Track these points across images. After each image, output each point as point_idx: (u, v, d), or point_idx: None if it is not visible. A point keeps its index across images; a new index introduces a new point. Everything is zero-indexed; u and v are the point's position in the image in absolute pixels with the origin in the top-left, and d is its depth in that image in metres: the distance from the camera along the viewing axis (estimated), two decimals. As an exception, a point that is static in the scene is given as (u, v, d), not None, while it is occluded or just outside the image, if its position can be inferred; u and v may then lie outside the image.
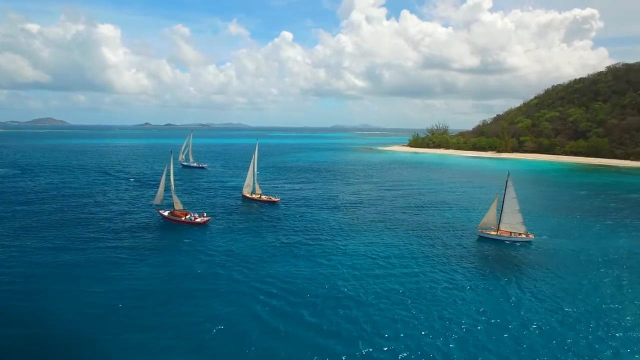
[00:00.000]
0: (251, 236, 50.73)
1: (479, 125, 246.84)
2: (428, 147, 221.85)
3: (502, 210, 53.05)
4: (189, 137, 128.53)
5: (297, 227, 55.57)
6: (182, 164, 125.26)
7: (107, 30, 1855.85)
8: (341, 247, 46.46)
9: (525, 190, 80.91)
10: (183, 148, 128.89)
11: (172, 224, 57.41)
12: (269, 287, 34.67)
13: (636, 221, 61.72)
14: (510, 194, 52.47)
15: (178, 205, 60.01)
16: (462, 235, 52.93)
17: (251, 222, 58.75)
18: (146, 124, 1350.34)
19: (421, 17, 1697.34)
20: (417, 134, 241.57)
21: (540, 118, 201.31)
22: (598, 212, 67.70)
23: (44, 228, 51.31)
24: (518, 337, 27.49)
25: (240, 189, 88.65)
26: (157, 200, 61.60)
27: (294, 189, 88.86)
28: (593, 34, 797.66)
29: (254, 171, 76.79)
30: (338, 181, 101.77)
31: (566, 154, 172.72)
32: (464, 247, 48.01)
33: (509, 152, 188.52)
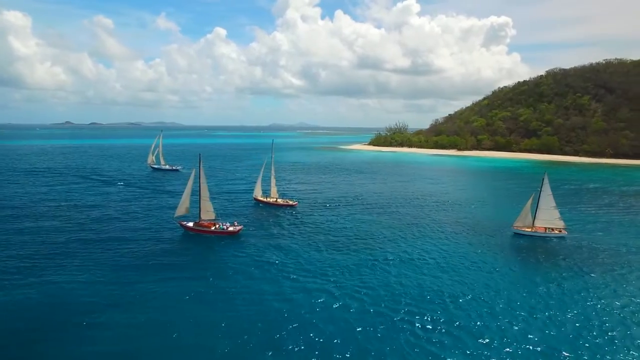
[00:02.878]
0: (291, 245, 46.46)
1: (434, 124, 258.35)
2: (391, 145, 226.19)
3: (537, 207, 54.27)
4: (159, 137, 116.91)
5: (331, 233, 51.93)
6: (152, 167, 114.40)
7: (14, 18, 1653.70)
8: (392, 252, 44.36)
9: (523, 187, 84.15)
10: (152, 149, 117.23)
11: (198, 235, 50.65)
12: (347, 301, 31.52)
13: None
14: (546, 191, 53.88)
15: (208, 214, 52.65)
16: (496, 234, 53.13)
17: (280, 228, 54.06)
18: (67, 122, 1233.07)
19: (355, 17, 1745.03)
20: (380, 133, 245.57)
21: (494, 117, 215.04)
22: (611, 206, 72.40)
23: (57, 255, 40.75)
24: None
25: (238, 192, 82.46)
26: (181, 210, 53.61)
27: (303, 190, 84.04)
28: (508, 40, 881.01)
29: (272, 173, 70.82)
30: (342, 182, 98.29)
31: (521, 152, 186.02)
32: (503, 245, 48.58)
33: (470, 150, 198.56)
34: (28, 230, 49.12)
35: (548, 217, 53.66)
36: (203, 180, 52.89)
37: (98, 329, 26.63)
